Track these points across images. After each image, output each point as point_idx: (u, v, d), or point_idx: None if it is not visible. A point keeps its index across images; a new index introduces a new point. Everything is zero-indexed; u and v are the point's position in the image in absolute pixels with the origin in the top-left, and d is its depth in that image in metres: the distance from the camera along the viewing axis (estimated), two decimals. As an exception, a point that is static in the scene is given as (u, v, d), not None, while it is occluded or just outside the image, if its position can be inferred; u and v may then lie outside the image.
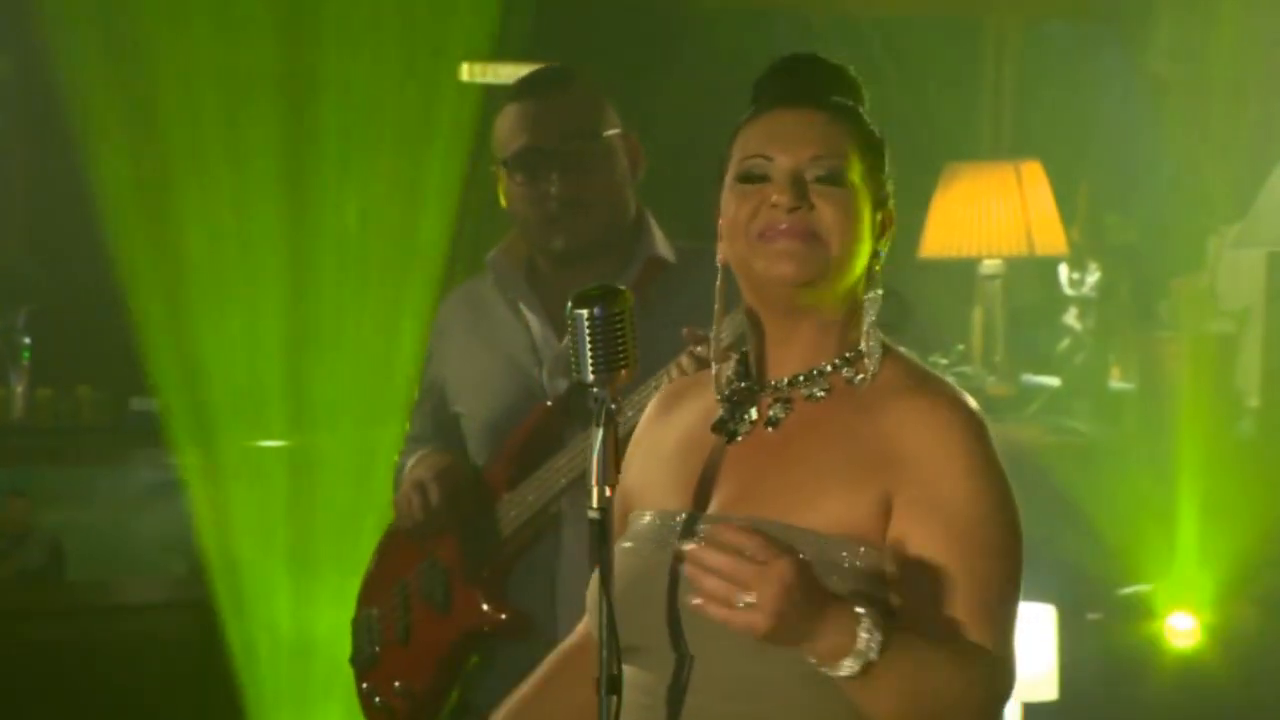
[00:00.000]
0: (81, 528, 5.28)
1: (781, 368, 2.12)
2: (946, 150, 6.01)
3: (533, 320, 3.21)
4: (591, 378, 2.00)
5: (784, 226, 2.08)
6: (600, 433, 1.99)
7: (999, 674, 2.02)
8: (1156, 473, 5.70)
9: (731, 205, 2.12)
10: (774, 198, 2.08)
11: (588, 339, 2.00)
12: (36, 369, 5.36)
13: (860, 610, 1.93)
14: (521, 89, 3.25)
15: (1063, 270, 6.60)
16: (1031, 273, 6.35)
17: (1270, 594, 5.51)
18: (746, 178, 2.11)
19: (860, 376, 2.10)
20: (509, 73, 5.70)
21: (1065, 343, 6.57)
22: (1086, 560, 5.21)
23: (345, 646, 3.36)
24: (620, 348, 2.00)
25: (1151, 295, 6.41)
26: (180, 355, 4.88)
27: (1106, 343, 6.61)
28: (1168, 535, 5.63)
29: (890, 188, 2.16)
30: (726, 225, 2.13)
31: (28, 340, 5.35)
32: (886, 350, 2.13)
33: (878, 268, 2.13)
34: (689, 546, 1.91)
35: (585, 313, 2.00)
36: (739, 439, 2.11)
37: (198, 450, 5.00)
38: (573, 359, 2.01)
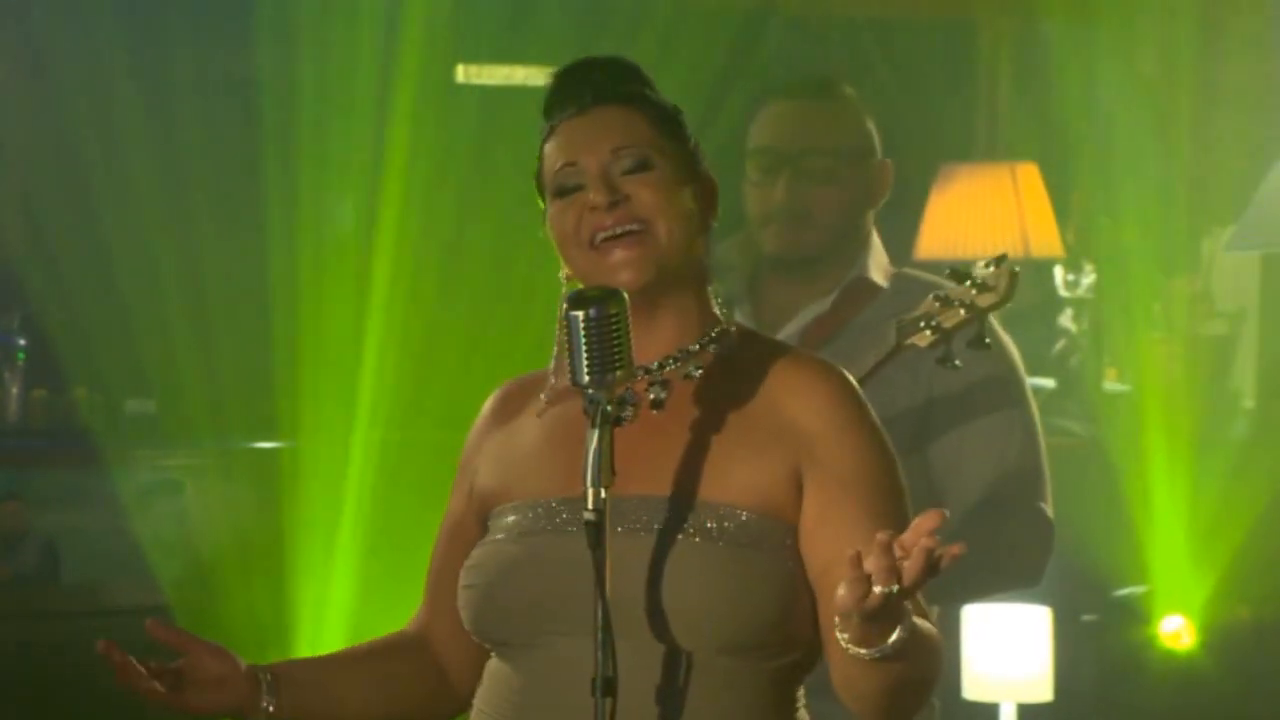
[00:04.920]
0: (76, 530, 5.27)
1: (643, 353, 2.14)
2: (942, 152, 6.02)
3: (741, 320, 3.17)
4: (587, 379, 2.00)
5: (609, 222, 2.12)
6: (595, 435, 1.99)
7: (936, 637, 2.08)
8: (1151, 474, 5.70)
9: (557, 220, 2.17)
10: (591, 200, 2.13)
11: (583, 340, 2.00)
12: (32, 371, 5.36)
13: None
14: (782, 89, 3.24)
15: (1058, 272, 6.61)
16: (1026, 274, 6.34)
17: (1264, 596, 5.51)
18: (561, 191, 2.16)
19: (725, 343, 2.16)
20: (504, 74, 5.70)
21: (1060, 344, 6.57)
22: (1081, 562, 5.20)
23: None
24: (616, 349, 2.00)
25: (1146, 297, 6.41)
26: (177, 357, 4.87)
27: (1101, 344, 6.62)
28: (1162, 537, 5.63)
29: (699, 154, 2.20)
30: (558, 240, 2.18)
31: (23, 342, 5.34)
32: (738, 325, 2.21)
33: (707, 239, 2.19)
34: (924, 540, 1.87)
35: (581, 314, 2.00)
36: (623, 424, 2.12)
37: (193, 452, 5.00)
38: (569, 361, 2.01)
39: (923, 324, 2.86)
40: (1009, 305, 2.88)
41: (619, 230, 2.12)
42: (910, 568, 1.87)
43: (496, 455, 2.22)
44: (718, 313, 2.19)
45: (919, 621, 1.99)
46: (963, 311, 2.85)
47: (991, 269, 2.86)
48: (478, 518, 2.22)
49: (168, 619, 4.28)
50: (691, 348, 2.16)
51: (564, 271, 2.19)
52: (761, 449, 2.10)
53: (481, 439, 2.26)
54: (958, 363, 2.87)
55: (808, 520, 2.09)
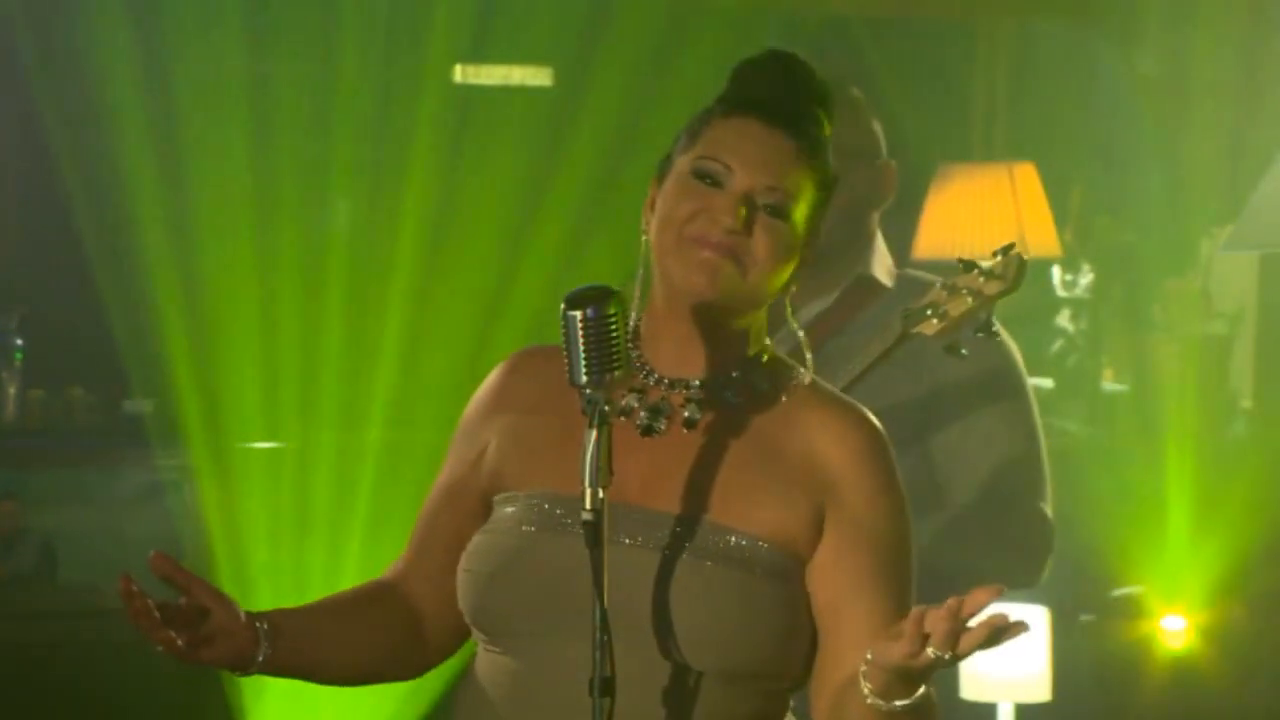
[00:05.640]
0: (73, 530, 5.28)
1: (688, 367, 2.14)
2: (940, 151, 6.01)
3: None
4: (585, 379, 1.99)
5: (715, 240, 2.09)
6: (594, 435, 1.98)
7: None
8: (1149, 474, 5.70)
9: (674, 194, 2.13)
10: (719, 213, 2.10)
11: (580, 340, 1.99)
12: (29, 370, 5.36)
13: None
14: None
15: (1055, 272, 6.61)
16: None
17: (1262, 595, 5.51)
18: (698, 175, 2.12)
19: (767, 375, 2.15)
20: (504, 74, 5.69)
21: (1058, 344, 6.58)
22: (1079, 562, 5.20)
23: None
24: (614, 349, 1.99)
25: (1144, 297, 6.42)
26: (173, 357, 4.87)
27: (1099, 344, 6.62)
28: (1160, 537, 5.63)
29: (820, 226, 2.19)
30: (662, 210, 2.14)
31: (20, 342, 5.35)
32: (782, 360, 2.20)
33: (792, 290, 2.17)
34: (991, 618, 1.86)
35: (578, 314, 1.99)
36: (654, 435, 2.13)
37: (189, 452, 5.00)
38: (566, 361, 2.00)
39: (929, 312, 2.85)
40: (1014, 294, 2.87)
41: (720, 251, 2.10)
42: (972, 638, 1.86)
43: (509, 435, 2.20)
44: (767, 345, 2.19)
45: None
46: (970, 299, 2.84)
47: (999, 258, 2.86)
48: (481, 489, 2.21)
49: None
50: (734, 374, 2.15)
51: (646, 230, 2.15)
52: (789, 485, 2.11)
53: (491, 410, 2.23)
54: (964, 351, 2.86)
55: (821, 558, 2.10)
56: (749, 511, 2.08)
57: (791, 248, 2.13)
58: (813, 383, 2.19)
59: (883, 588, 2.09)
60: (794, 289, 2.18)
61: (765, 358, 2.18)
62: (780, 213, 2.11)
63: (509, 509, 2.16)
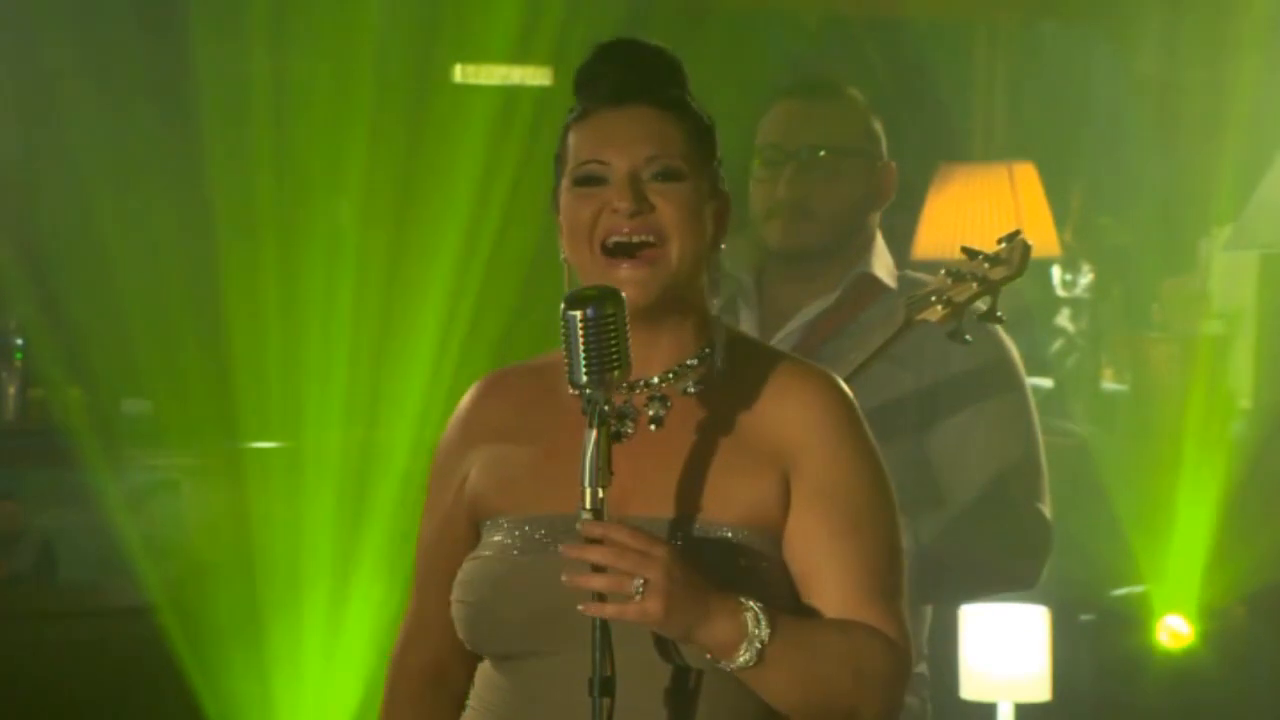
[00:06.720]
0: (73, 530, 5.27)
1: (643, 365, 2.12)
2: (939, 151, 6.01)
3: (746, 317, 3.17)
4: (584, 379, 2.00)
5: (626, 229, 2.10)
6: (594, 434, 1.98)
7: (898, 652, 2.07)
8: (1149, 474, 5.70)
9: (572, 208, 2.14)
10: (614, 203, 2.10)
11: (580, 340, 1.99)
12: (29, 370, 5.35)
13: (744, 599, 1.99)
14: (788, 89, 3.27)
15: (1055, 272, 6.61)
16: (1024, 275, 6.35)
17: (1262, 595, 5.51)
18: (583, 181, 2.13)
19: (723, 356, 2.15)
20: (503, 74, 5.69)
21: (1058, 344, 6.58)
22: (1079, 562, 5.20)
23: (338, 646, 3.34)
24: (613, 349, 2.00)
25: (1144, 297, 6.42)
26: (173, 357, 4.87)
27: (1099, 344, 6.62)
28: (1160, 537, 5.63)
29: (722, 174, 2.19)
30: (568, 227, 2.15)
31: (20, 342, 5.34)
32: (734, 335, 2.20)
33: (716, 255, 2.17)
34: (564, 548, 1.95)
35: (578, 314, 1.99)
36: (622, 440, 2.12)
37: (190, 452, 5.00)
38: (567, 360, 2.01)
39: (934, 299, 2.85)
40: (1015, 293, 2.87)
41: (635, 239, 2.10)
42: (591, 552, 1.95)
43: (486, 463, 2.20)
44: (716, 326, 2.18)
45: (816, 632, 2.02)
46: (975, 285, 2.84)
47: (1003, 245, 2.86)
48: (467, 518, 2.21)
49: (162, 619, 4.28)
50: (689, 362, 2.15)
51: (565, 254, 2.17)
52: (757, 463, 2.10)
53: (465, 442, 2.22)
54: (969, 338, 2.86)
55: (790, 526, 2.09)
56: (727, 501, 2.08)
57: (698, 203, 2.13)
58: (772, 352, 2.20)
59: (854, 548, 2.07)
60: (724, 246, 2.18)
61: (716, 339, 2.16)
62: (671, 175, 2.11)
63: (495, 535, 2.15)
